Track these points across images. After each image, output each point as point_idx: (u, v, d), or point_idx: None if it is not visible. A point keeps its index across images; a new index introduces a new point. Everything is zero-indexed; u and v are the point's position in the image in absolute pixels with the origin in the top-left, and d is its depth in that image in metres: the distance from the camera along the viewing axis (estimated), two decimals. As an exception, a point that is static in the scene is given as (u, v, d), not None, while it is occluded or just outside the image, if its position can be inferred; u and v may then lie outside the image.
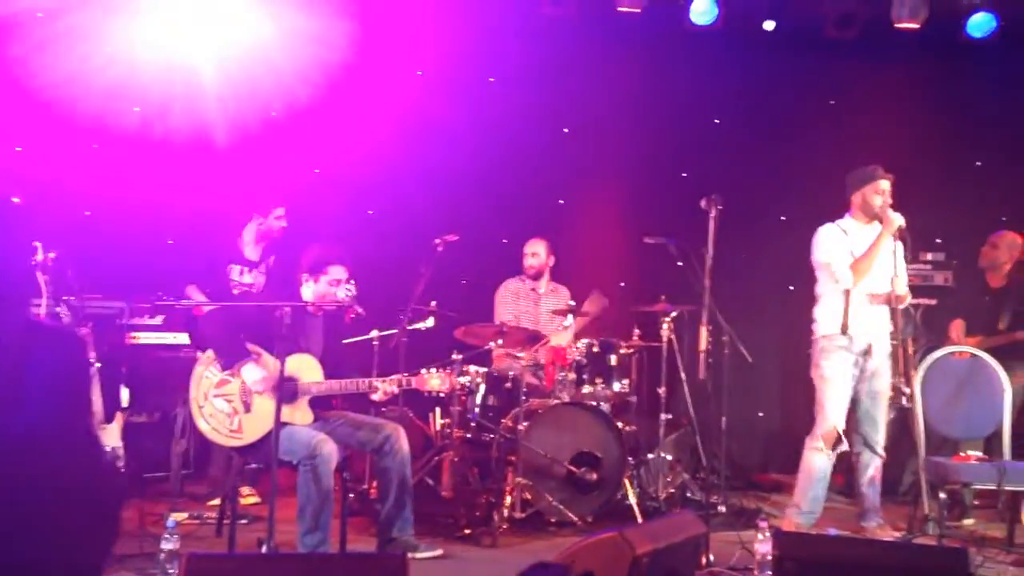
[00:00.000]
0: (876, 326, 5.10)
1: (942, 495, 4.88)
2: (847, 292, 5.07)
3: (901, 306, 5.00)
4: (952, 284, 6.68)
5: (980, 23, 6.48)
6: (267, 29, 6.67)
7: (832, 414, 5.09)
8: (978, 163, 7.19)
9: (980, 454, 5.14)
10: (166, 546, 3.85)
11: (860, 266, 5.06)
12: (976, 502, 5.81)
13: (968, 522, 5.68)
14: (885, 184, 5.12)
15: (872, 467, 5.23)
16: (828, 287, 5.19)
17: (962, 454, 5.12)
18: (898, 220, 4.99)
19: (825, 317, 5.18)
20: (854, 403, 5.18)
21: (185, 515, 5.05)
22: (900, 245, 5.03)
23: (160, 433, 5.80)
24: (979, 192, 6.98)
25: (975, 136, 7.05)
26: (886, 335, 5.14)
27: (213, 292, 5.64)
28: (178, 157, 6.44)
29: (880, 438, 5.20)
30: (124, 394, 5.25)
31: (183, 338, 5.89)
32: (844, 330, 5.05)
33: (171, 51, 6.51)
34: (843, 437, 5.08)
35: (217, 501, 5.08)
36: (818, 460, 5.12)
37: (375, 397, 4.51)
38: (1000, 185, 6.92)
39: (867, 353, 5.12)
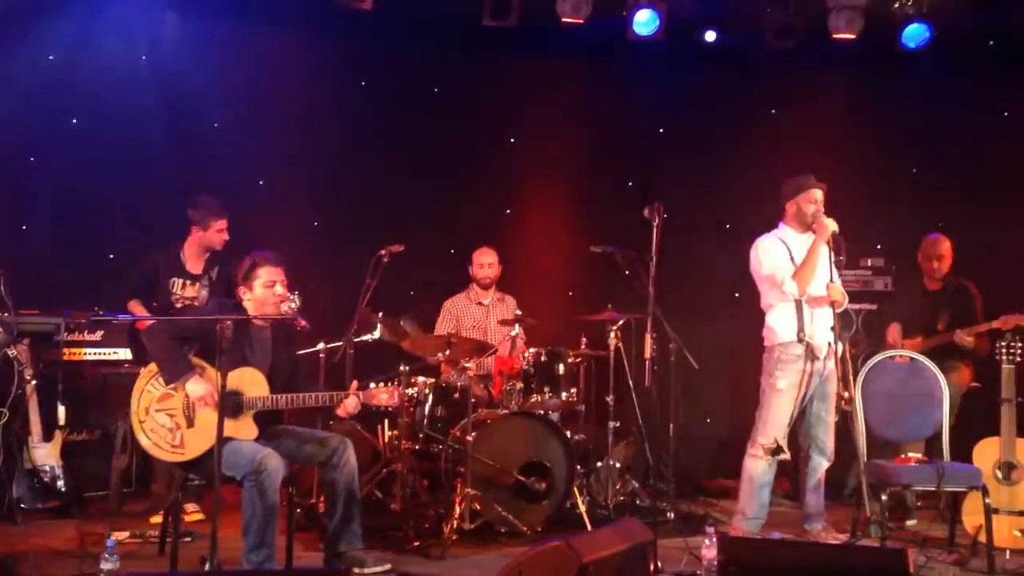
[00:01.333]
0: (825, 330, 5.15)
1: (884, 497, 4.94)
2: (798, 300, 5.12)
3: (839, 310, 5.07)
4: (892, 289, 6.81)
5: (914, 33, 6.62)
6: (208, 38, 6.64)
7: (775, 426, 5.13)
8: (914, 170, 7.35)
9: (920, 456, 5.23)
10: (106, 566, 3.76)
11: (802, 275, 5.10)
12: (919, 503, 5.92)
13: (911, 523, 5.77)
14: (818, 193, 5.19)
15: (820, 471, 5.28)
16: (774, 296, 5.23)
17: (903, 456, 5.20)
18: (831, 226, 5.05)
19: (780, 325, 5.18)
20: (805, 407, 5.21)
21: (126, 534, 4.94)
22: (826, 250, 5.06)
23: (101, 451, 5.70)
24: (916, 198, 7.14)
25: (911, 143, 7.21)
26: (832, 338, 5.20)
27: (155, 306, 5.55)
28: (118, 169, 6.35)
29: (830, 441, 5.25)
30: (61, 412, 5.16)
31: (124, 354, 5.81)
32: (801, 338, 5.08)
33: (112, 60, 6.44)
34: (783, 448, 5.12)
35: (159, 518, 4.99)
36: (759, 467, 5.16)
37: (339, 412, 4.47)
38: (936, 191, 7.09)
39: (821, 358, 5.15)
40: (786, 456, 5.15)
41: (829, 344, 5.12)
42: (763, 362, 5.27)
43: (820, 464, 5.27)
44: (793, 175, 5.29)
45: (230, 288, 5.48)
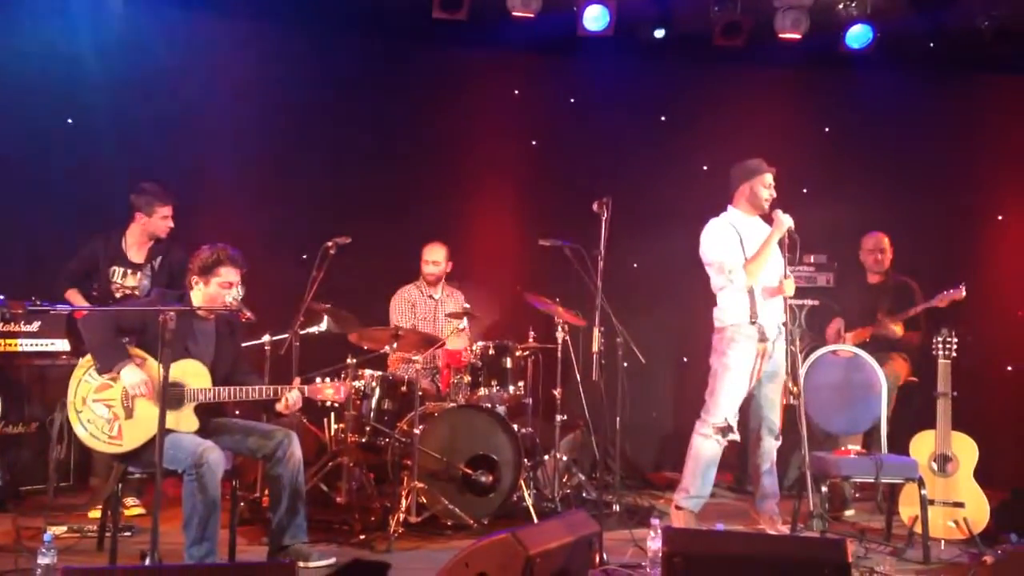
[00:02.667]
0: (776, 316, 5.22)
1: (824, 489, 5.04)
2: (758, 287, 5.15)
3: (789, 303, 5.15)
4: (834, 285, 6.93)
5: (858, 35, 6.74)
6: (153, 26, 6.52)
7: (726, 404, 5.15)
8: (857, 168, 7.48)
9: (859, 448, 5.34)
10: (43, 561, 3.70)
11: (752, 267, 5.14)
12: (857, 495, 6.04)
13: (849, 514, 5.89)
14: (770, 177, 5.25)
15: (773, 453, 5.28)
16: (722, 281, 5.26)
17: (842, 449, 5.31)
18: (787, 222, 5.11)
19: (731, 307, 5.19)
20: (755, 390, 5.23)
21: (64, 528, 4.85)
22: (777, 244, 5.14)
23: (37, 444, 5.57)
24: (858, 196, 7.26)
25: (854, 142, 7.34)
26: (781, 324, 5.27)
27: (94, 295, 5.43)
28: (58, 156, 6.21)
29: (778, 421, 5.27)
30: (-3, 403, 5.04)
31: (61, 345, 5.68)
32: (754, 320, 5.12)
33: (53, 46, 6.29)
34: (734, 428, 5.15)
35: (98, 513, 4.90)
36: (708, 446, 5.16)
37: (279, 407, 4.42)
38: (876, 189, 7.22)
39: (771, 340, 5.20)
40: (736, 437, 5.17)
41: (779, 329, 5.19)
42: (713, 343, 5.27)
43: (772, 446, 5.28)
44: (743, 160, 5.34)
45: (172, 278, 5.40)
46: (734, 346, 5.16)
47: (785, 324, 5.18)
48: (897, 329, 6.08)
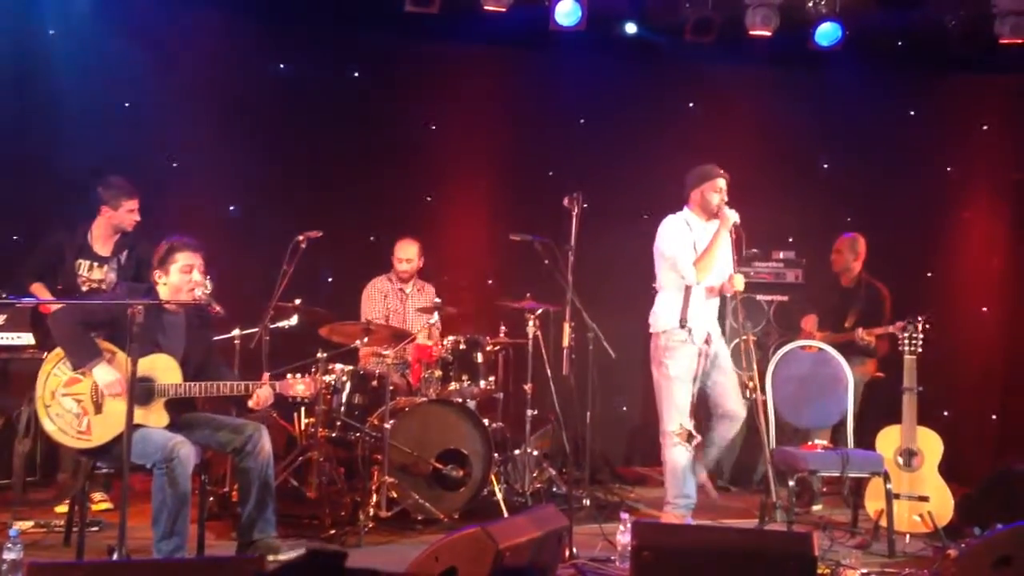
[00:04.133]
0: (711, 317, 5.25)
1: (791, 483, 5.09)
2: (688, 287, 5.17)
3: (740, 298, 5.18)
4: (802, 281, 7.00)
5: (827, 32, 6.78)
6: (121, 13, 6.44)
7: (679, 412, 5.15)
8: (825, 165, 7.57)
9: (826, 443, 5.39)
10: (9, 556, 3.68)
11: (701, 264, 5.16)
12: (824, 489, 6.11)
13: (816, 508, 5.96)
14: (722, 182, 5.27)
15: (726, 435, 5.26)
16: (669, 279, 5.26)
17: (809, 443, 5.36)
18: (733, 217, 5.14)
19: (664, 311, 5.22)
20: (702, 387, 5.24)
21: (31, 523, 4.80)
22: (728, 241, 5.17)
23: (2, 438, 5.50)
24: (826, 192, 7.34)
25: (822, 139, 7.41)
26: (717, 322, 5.30)
27: (60, 289, 5.35)
28: (23, 147, 6.12)
29: (738, 400, 5.23)
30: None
31: (27, 338, 5.60)
32: (683, 323, 5.13)
33: (17, 32, 6.19)
34: (694, 432, 5.16)
35: (65, 508, 4.86)
36: (678, 453, 5.16)
37: (250, 404, 4.39)
38: (845, 186, 7.30)
39: (706, 342, 5.23)
40: (698, 439, 5.18)
41: (709, 333, 5.22)
42: (651, 350, 5.29)
43: (728, 429, 5.25)
44: (698, 164, 5.37)
45: (139, 271, 5.34)
46: (670, 355, 5.17)
47: (739, 320, 5.16)
48: (870, 340, 6.07)
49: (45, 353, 4.30)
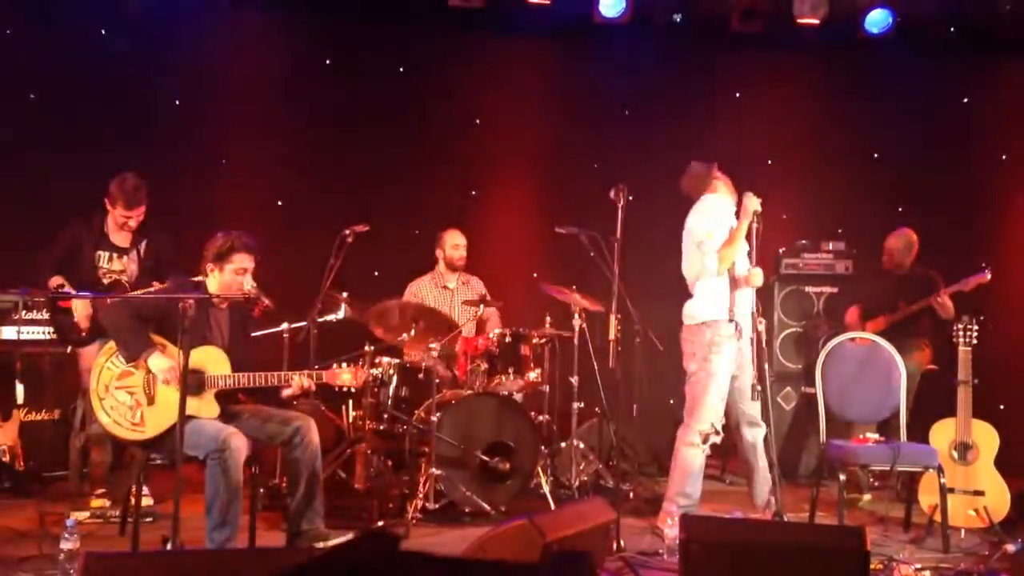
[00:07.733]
0: (748, 309, 5.03)
1: (842, 476, 5.01)
2: (731, 276, 4.99)
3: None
4: (852, 272, 6.88)
5: (877, 20, 6.69)
6: (171, 13, 6.53)
7: (712, 412, 4.97)
8: (875, 155, 7.43)
9: (877, 436, 5.30)
10: (66, 546, 3.75)
11: (725, 253, 4.97)
12: (875, 483, 6.02)
13: (866, 499, 5.88)
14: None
15: (758, 442, 5.11)
16: (694, 267, 5.05)
17: (860, 437, 5.27)
18: (754, 205, 4.97)
19: (710, 301, 4.99)
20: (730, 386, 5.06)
21: (87, 514, 4.90)
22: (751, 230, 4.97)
23: (60, 431, 5.61)
24: (877, 183, 7.22)
25: (872, 128, 7.29)
26: (751, 317, 5.05)
27: (81, 281, 5.26)
28: (77, 144, 6.23)
29: (754, 410, 5.06)
30: (19, 391, 5.05)
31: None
32: (732, 317, 4.93)
33: (72, 33, 6.32)
34: (719, 431, 4.99)
35: (101, 502, 5.03)
36: (693, 455, 4.98)
37: (287, 393, 4.44)
38: (896, 176, 7.18)
39: (743, 337, 5.04)
40: (718, 440, 5.03)
41: (746, 324, 5.00)
42: (686, 342, 5.07)
43: (756, 435, 5.12)
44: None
45: (159, 263, 5.36)
46: (717, 349, 4.93)
47: (753, 315, 4.97)
48: (950, 305, 5.88)
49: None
